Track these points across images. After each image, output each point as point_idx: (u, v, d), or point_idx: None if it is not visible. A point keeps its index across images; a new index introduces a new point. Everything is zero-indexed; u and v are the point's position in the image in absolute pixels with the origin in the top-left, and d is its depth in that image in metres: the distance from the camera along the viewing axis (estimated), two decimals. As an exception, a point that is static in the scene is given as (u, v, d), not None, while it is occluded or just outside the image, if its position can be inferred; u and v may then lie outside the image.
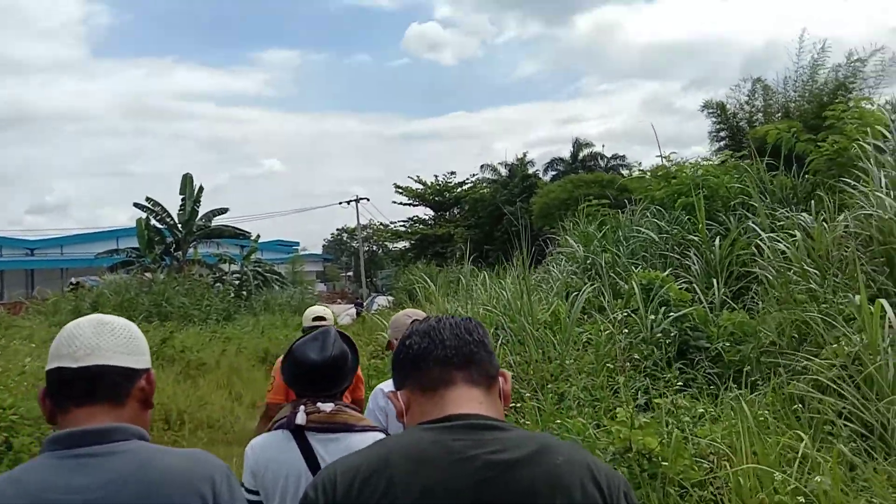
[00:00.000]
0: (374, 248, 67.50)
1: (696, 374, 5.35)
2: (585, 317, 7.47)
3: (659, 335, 5.68)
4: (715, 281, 6.70)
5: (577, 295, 6.80)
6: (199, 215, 29.80)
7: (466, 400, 1.31)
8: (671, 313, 5.90)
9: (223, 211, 31.61)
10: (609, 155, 38.71)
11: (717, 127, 21.74)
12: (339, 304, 44.04)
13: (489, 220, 39.19)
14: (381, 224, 54.60)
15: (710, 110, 21.98)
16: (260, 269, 34.06)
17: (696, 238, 7.87)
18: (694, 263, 7.52)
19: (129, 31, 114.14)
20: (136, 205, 28.37)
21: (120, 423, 1.37)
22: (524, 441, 1.24)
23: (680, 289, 6.42)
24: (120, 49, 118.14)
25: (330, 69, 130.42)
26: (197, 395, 9.14)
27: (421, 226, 48.89)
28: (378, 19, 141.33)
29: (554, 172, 39.74)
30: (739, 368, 5.20)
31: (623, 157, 38.41)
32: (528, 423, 4.77)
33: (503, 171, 42.37)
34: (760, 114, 21.44)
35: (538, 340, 5.99)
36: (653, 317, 5.87)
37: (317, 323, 4.48)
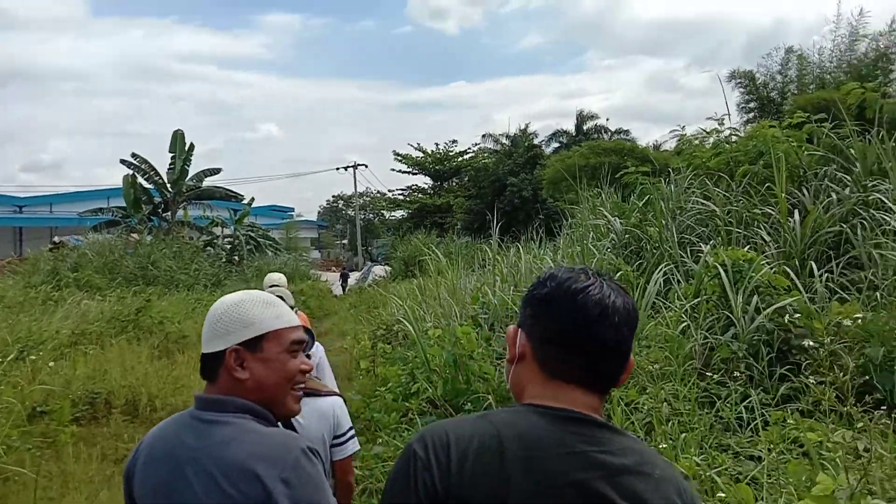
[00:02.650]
0: (371, 216, 66.27)
1: (804, 384, 4.13)
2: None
3: (753, 331, 4.45)
4: (813, 264, 5.45)
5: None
6: (190, 175, 28.34)
7: (583, 406, 1.20)
8: (763, 303, 4.66)
9: (215, 171, 30.15)
10: (613, 129, 37.43)
11: (747, 98, 20.45)
12: (333, 271, 42.94)
13: (491, 190, 38.06)
14: (379, 192, 53.27)
15: (739, 81, 20.63)
16: (253, 234, 32.74)
17: (772, 212, 6.60)
18: (768, 243, 6.26)
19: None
20: (122, 161, 26.87)
21: (223, 396, 1.53)
22: (630, 447, 1.18)
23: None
24: (120, 8, 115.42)
25: (332, 34, 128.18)
26: (172, 376, 7.90)
27: (420, 195, 47.77)
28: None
29: (557, 144, 38.81)
30: (863, 379, 3.97)
31: (627, 131, 37.36)
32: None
33: (505, 142, 41.08)
34: (793, 84, 20.14)
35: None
36: (745, 307, 4.62)
37: (272, 289, 4.71)
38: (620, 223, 8.74)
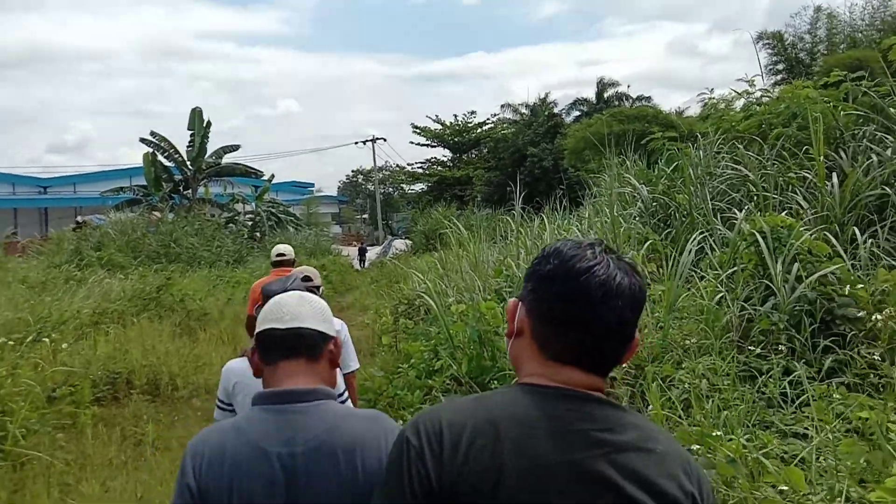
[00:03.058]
0: (391, 190, 66.07)
1: (851, 357, 3.90)
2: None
3: (794, 302, 4.21)
4: (856, 230, 5.17)
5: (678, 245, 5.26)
6: (209, 152, 28.29)
7: (582, 385, 1.16)
8: (805, 272, 4.41)
9: (234, 148, 30.08)
10: (634, 96, 36.65)
11: (775, 59, 19.85)
12: (354, 246, 42.94)
13: (511, 161, 37.63)
14: (398, 166, 52.92)
15: (766, 41, 20.01)
16: (274, 210, 32.72)
17: (808, 176, 6.29)
18: (805, 209, 5.97)
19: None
20: (142, 140, 26.84)
21: (316, 386, 1.61)
22: (630, 423, 1.15)
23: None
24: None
25: (348, 7, 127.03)
26: (194, 354, 7.83)
27: (439, 167, 47.40)
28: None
29: (577, 113, 38.20)
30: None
31: (649, 98, 36.52)
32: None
33: (524, 112, 40.46)
34: (823, 44, 19.49)
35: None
36: (785, 276, 4.38)
37: (279, 258, 5.49)
38: (647, 191, 8.46)
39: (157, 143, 26.92)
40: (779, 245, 4.64)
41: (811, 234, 4.94)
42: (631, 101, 36.30)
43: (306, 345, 1.64)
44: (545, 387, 1.15)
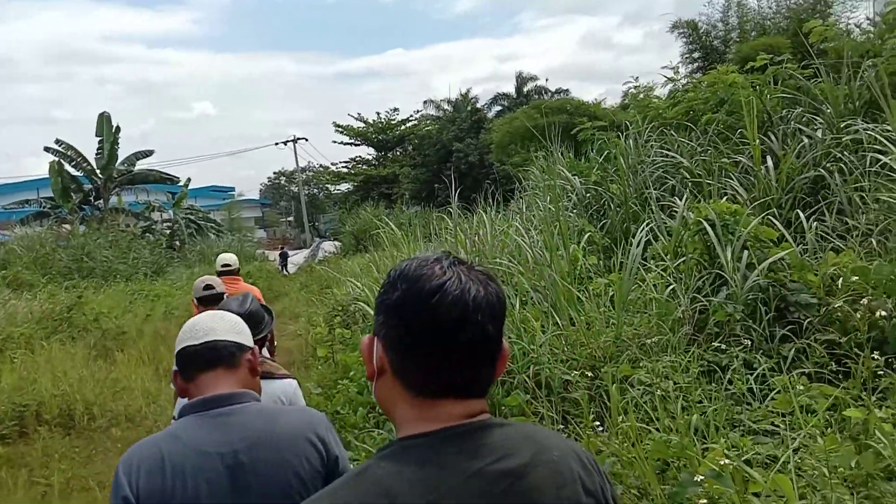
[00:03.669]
0: (315, 191, 64.83)
1: (809, 345, 3.79)
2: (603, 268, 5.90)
3: (748, 291, 4.08)
4: (800, 213, 5.11)
5: (624, 236, 5.09)
6: (121, 159, 26.87)
7: (462, 417, 1.05)
8: (756, 258, 4.29)
9: (148, 154, 28.70)
10: (553, 89, 37.19)
11: (690, 48, 20.26)
12: (282, 249, 41.82)
13: (437, 157, 37.52)
14: (322, 166, 51.94)
15: (681, 31, 20.41)
16: (193, 217, 31.45)
17: (742, 160, 6.26)
18: (741, 194, 5.93)
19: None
20: (46, 149, 25.23)
21: (242, 389, 1.68)
22: (519, 442, 1.06)
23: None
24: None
25: (261, 5, 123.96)
26: (111, 379, 7.19)
27: (364, 166, 46.79)
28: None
29: (499, 108, 38.54)
30: (869, 337, 3.64)
31: (567, 90, 37.11)
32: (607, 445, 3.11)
33: (447, 108, 40.43)
34: (735, 32, 20.03)
35: (576, 302, 4.32)
36: (736, 264, 4.24)
37: (225, 269, 5.47)
38: (580, 182, 8.34)
39: (63, 152, 25.36)
40: (725, 233, 4.52)
41: (756, 221, 4.86)
42: (550, 94, 36.81)
43: (222, 356, 1.70)
44: (426, 435, 1.04)
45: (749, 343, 3.85)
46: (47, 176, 25.27)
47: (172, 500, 1.48)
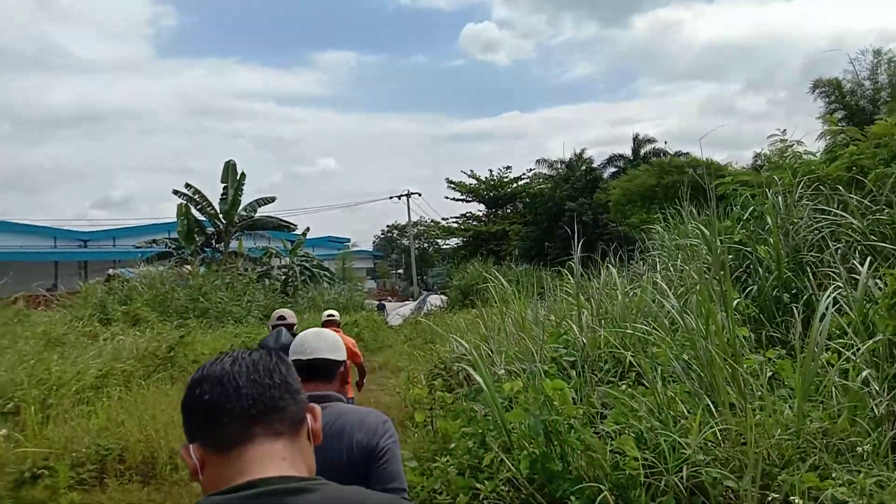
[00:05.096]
0: (426, 245, 65.50)
1: None
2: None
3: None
4: None
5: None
6: (244, 205, 27.93)
7: (269, 459, 1.15)
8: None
9: (269, 200, 29.75)
10: (672, 152, 35.78)
11: (832, 107, 18.72)
12: (390, 301, 42.03)
13: (548, 216, 36.95)
14: (433, 220, 52.39)
15: (822, 89, 18.95)
16: (308, 264, 32.11)
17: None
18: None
19: (194, 33, 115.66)
20: (175, 192, 26.61)
21: (329, 393, 2.34)
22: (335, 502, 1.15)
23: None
24: (184, 49, 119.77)
25: (385, 70, 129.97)
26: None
27: (474, 222, 46.75)
28: (434, 19, 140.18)
29: (614, 169, 37.71)
30: None
31: (687, 153, 35.63)
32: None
33: (560, 167, 39.88)
34: (885, 91, 18.34)
35: (741, 384, 3.43)
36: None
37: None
38: (719, 242, 7.35)
39: (191, 196, 26.65)
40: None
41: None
42: (668, 157, 35.51)
43: (324, 370, 2.35)
44: (228, 491, 1.10)
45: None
46: (175, 220, 26.62)
47: None
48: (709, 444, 3.25)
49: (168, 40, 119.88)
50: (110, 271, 26.78)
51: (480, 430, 3.92)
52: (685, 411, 3.45)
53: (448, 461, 3.94)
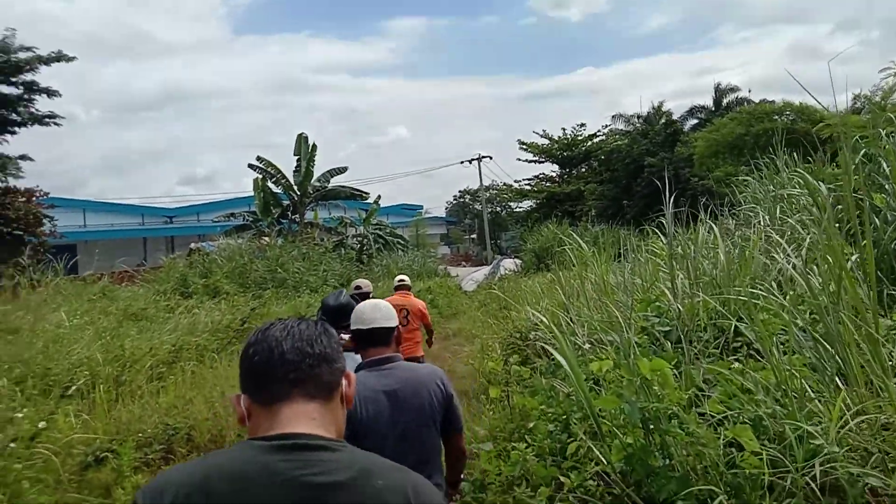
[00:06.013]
0: (498, 209, 64.73)
1: None
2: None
3: None
4: None
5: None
6: (316, 176, 28.06)
7: (302, 417, 1.32)
8: None
9: (342, 170, 29.76)
10: (756, 101, 33.44)
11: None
12: (464, 266, 41.78)
13: (625, 173, 35.48)
14: (505, 184, 51.50)
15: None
16: (381, 232, 32.13)
17: None
18: None
19: (266, 9, 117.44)
20: (250, 166, 26.95)
21: (395, 354, 2.75)
22: (348, 464, 1.27)
23: None
24: (258, 27, 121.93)
25: (455, 33, 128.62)
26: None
27: (548, 183, 45.61)
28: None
29: (695, 121, 35.78)
30: None
31: (773, 102, 33.36)
32: None
33: (637, 122, 38.09)
34: None
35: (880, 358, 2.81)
36: None
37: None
38: (829, 189, 6.53)
39: (265, 169, 26.93)
40: None
41: None
42: (753, 105, 33.38)
43: (382, 336, 2.73)
44: (266, 438, 1.27)
45: None
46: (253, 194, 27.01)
47: (361, 417, 2.48)
48: (840, 431, 2.67)
49: (241, 19, 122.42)
50: (192, 245, 27.50)
51: (563, 413, 3.44)
52: (809, 391, 2.86)
53: (527, 448, 3.49)
